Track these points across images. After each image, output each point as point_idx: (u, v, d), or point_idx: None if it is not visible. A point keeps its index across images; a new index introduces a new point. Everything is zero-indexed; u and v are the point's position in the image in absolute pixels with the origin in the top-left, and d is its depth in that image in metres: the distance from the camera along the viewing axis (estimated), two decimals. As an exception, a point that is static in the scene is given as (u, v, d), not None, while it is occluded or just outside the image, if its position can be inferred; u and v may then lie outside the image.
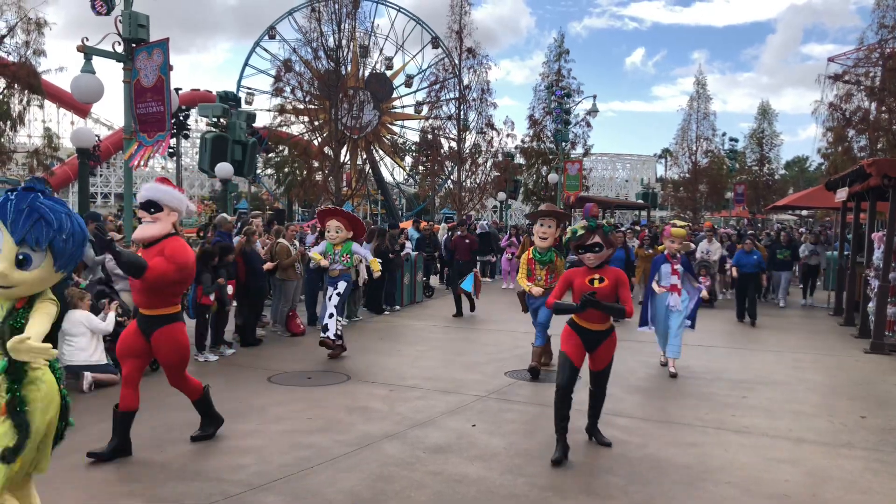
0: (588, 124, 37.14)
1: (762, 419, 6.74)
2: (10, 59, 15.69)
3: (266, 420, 6.44)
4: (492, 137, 31.74)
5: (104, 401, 7.02)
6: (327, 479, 4.97)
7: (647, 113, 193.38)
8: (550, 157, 36.12)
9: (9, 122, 16.05)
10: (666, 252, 8.60)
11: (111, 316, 7.79)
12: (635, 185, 75.15)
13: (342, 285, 9.28)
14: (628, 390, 7.78)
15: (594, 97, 32.77)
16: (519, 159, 37.79)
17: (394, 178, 46.06)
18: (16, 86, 16.02)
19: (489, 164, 32.06)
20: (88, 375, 7.33)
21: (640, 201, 45.73)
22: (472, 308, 13.58)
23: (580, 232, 5.46)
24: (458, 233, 15.08)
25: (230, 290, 9.42)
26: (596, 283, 5.45)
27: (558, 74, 37.32)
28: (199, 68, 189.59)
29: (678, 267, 8.54)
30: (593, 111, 34.03)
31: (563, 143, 33.60)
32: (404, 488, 4.84)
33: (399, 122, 43.91)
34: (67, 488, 4.73)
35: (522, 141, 37.71)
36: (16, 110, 16.05)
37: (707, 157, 46.95)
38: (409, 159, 44.29)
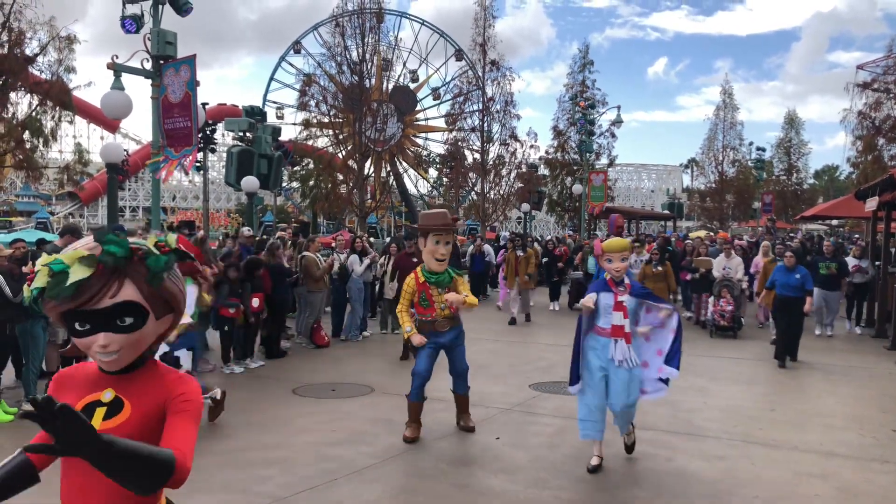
0: (612, 135, 37.06)
1: (791, 432, 6.62)
2: (43, 76, 16.09)
3: (291, 432, 6.48)
4: (515, 149, 31.75)
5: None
6: (352, 491, 4.98)
7: (671, 123, 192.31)
8: (575, 167, 36.03)
9: (41, 139, 16.43)
10: (607, 277, 5.46)
11: None
12: (661, 196, 74.55)
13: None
14: (655, 403, 7.69)
15: (618, 108, 32.67)
16: (543, 170, 37.73)
17: (417, 190, 46.27)
18: (48, 103, 16.42)
19: (513, 175, 32.04)
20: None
21: (667, 212, 45.34)
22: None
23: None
24: (407, 248, 11.46)
25: (256, 302, 9.51)
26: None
27: (582, 85, 37.30)
28: (223, 82, 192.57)
29: (624, 299, 5.35)
30: (617, 122, 33.91)
31: (588, 154, 33.50)
32: (428, 500, 4.83)
33: (423, 134, 44.14)
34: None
35: (546, 152, 37.70)
36: (48, 127, 16.45)
37: (734, 166, 46.45)
38: (433, 171, 44.46)
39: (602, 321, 5.37)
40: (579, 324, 5.47)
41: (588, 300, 5.29)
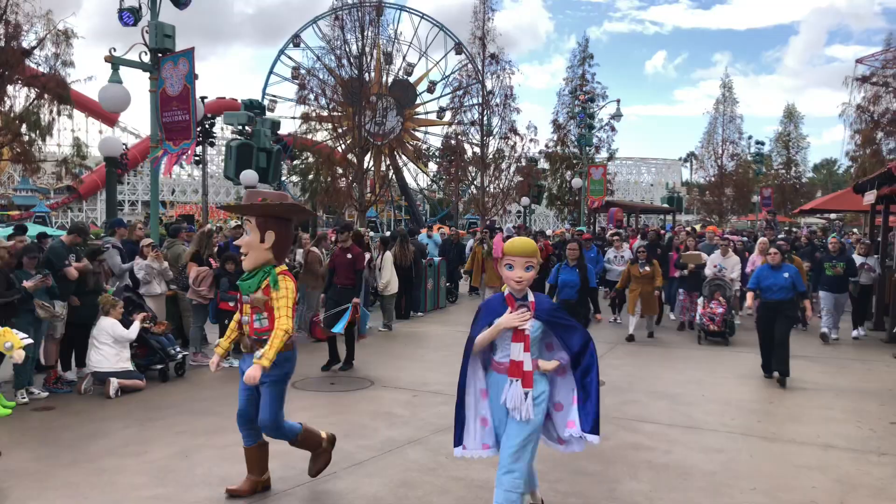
0: (612, 128, 37.05)
1: (789, 425, 6.63)
2: (41, 69, 16.05)
3: (290, 425, 6.47)
4: (515, 142, 31.72)
5: (129, 406, 7.13)
6: (350, 485, 4.99)
7: (670, 116, 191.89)
8: (574, 161, 36.01)
9: (38, 132, 16.42)
10: (505, 291, 3.87)
11: (136, 325, 7.89)
12: (660, 189, 74.58)
13: None
14: (654, 396, 7.71)
15: (618, 101, 32.65)
16: (542, 164, 37.74)
17: (417, 184, 46.23)
18: (45, 97, 16.39)
19: (512, 168, 32.04)
20: (115, 381, 7.44)
21: (666, 205, 45.33)
22: (349, 360, 9.02)
23: None
24: (341, 243, 9.21)
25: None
26: None
27: (582, 79, 37.26)
28: (219, 76, 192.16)
29: (529, 327, 3.75)
30: (617, 115, 33.94)
31: (587, 148, 33.48)
32: (427, 493, 4.84)
33: (422, 128, 44.07)
34: (94, 493, 4.80)
35: (546, 145, 37.71)
36: (45, 120, 16.42)
37: (733, 160, 46.43)
38: (433, 165, 44.42)
39: (500, 352, 3.83)
40: (465, 358, 3.90)
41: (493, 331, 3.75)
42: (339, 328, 8.54)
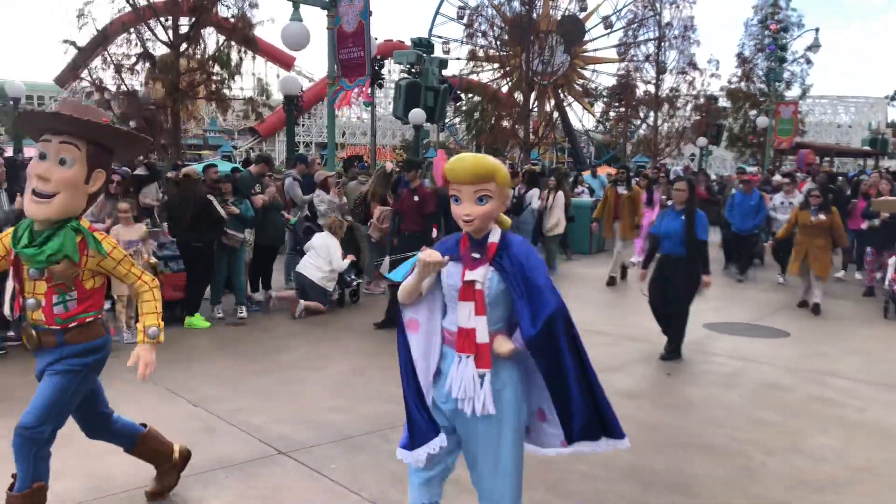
0: (808, 61, 33.40)
1: None
2: (230, 12, 17.19)
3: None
4: (693, 78, 29.59)
5: (310, 326, 7.64)
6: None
7: (874, 48, 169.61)
8: (761, 98, 33.05)
9: (228, 72, 17.71)
10: (461, 249, 2.63)
11: (347, 260, 8.40)
12: (860, 132, 66.76)
13: None
14: (845, 351, 7.00)
15: (816, 30, 29.26)
16: (723, 102, 35.02)
17: (582, 125, 44.84)
18: (232, 42, 17.59)
19: (689, 107, 29.99)
20: (302, 303, 7.97)
21: (867, 148, 40.51)
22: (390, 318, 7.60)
23: None
24: (409, 184, 8.29)
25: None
26: None
27: (774, 6, 33.73)
28: (385, 18, 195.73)
29: (478, 275, 2.55)
30: (814, 46, 30.48)
31: (777, 83, 30.52)
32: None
33: (591, 66, 42.39)
34: (281, 399, 5.20)
35: (729, 81, 34.83)
36: (234, 60, 17.68)
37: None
38: (599, 105, 42.79)
39: (447, 318, 2.66)
40: (400, 329, 2.71)
41: (427, 260, 2.52)
42: (398, 276, 7.44)
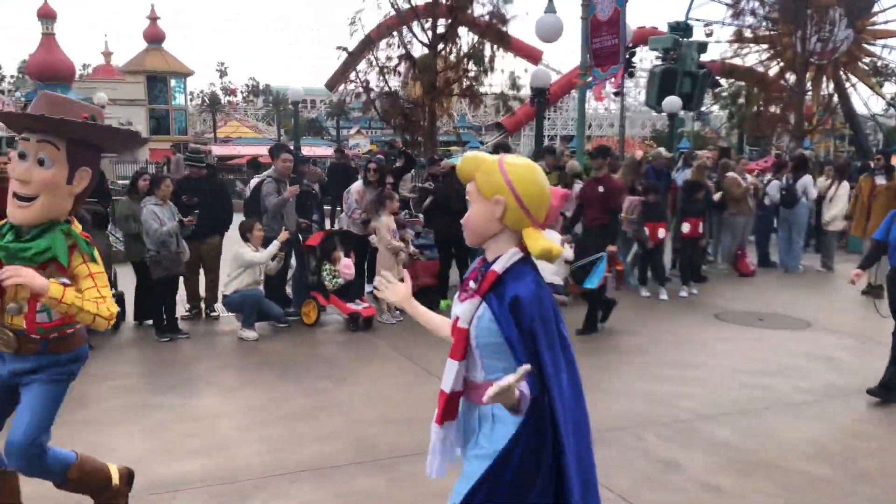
0: None
1: None
2: (485, 9, 17.73)
3: (713, 354, 6.17)
4: None
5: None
6: (785, 423, 4.50)
7: None
8: None
9: (482, 68, 18.31)
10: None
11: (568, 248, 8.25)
12: None
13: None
14: None
15: None
16: None
17: (868, 109, 39.28)
18: (485, 41, 18.15)
19: None
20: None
21: None
22: (605, 318, 7.11)
23: None
24: (596, 173, 7.40)
25: (661, 233, 8.82)
26: None
27: None
28: (638, 4, 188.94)
29: (462, 309, 1.97)
30: None
31: None
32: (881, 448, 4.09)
33: (881, 41, 36.92)
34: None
35: None
36: (487, 56, 18.22)
37: None
38: (891, 86, 37.20)
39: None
40: None
41: None
42: (591, 283, 6.49)
